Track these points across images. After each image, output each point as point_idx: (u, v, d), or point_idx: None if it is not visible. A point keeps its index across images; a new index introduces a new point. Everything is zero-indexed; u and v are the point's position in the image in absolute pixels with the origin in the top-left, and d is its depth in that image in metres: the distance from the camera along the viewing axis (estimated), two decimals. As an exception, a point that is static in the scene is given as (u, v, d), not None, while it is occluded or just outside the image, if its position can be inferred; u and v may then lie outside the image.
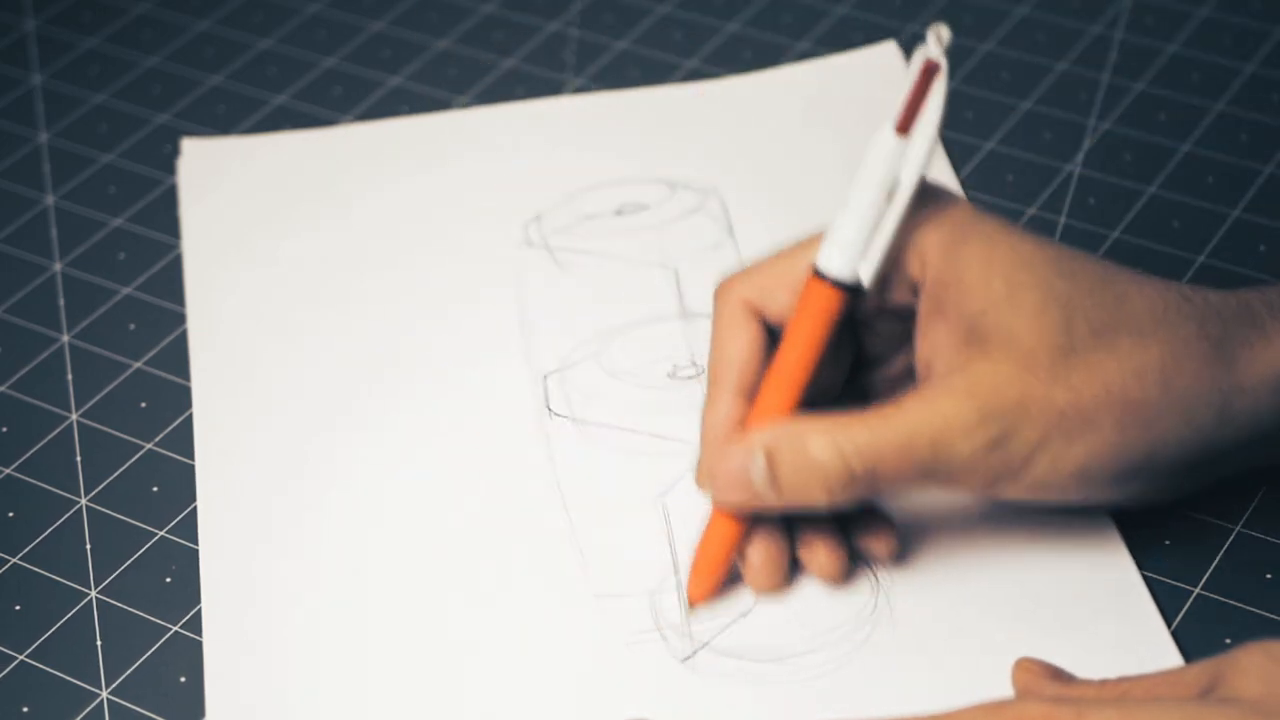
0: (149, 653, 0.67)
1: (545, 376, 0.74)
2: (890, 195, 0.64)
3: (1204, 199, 0.81)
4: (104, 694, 0.65)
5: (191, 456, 0.73)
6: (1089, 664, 0.62)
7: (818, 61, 0.88)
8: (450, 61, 0.91)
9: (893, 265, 0.64)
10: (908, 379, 0.67)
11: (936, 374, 0.64)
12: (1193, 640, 0.64)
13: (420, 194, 0.83)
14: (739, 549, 0.66)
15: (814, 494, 0.63)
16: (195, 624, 0.67)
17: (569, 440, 0.72)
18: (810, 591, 0.66)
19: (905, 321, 0.66)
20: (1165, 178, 0.82)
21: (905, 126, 0.64)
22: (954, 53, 0.89)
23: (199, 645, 0.67)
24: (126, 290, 0.80)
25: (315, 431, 0.73)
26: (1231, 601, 0.66)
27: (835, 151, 0.83)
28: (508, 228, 0.81)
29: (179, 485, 0.72)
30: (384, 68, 0.91)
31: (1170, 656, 0.64)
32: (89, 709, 0.65)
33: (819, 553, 0.66)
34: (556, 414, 0.73)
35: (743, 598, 0.66)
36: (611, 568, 0.68)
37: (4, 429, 0.75)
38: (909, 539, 0.68)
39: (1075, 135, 0.84)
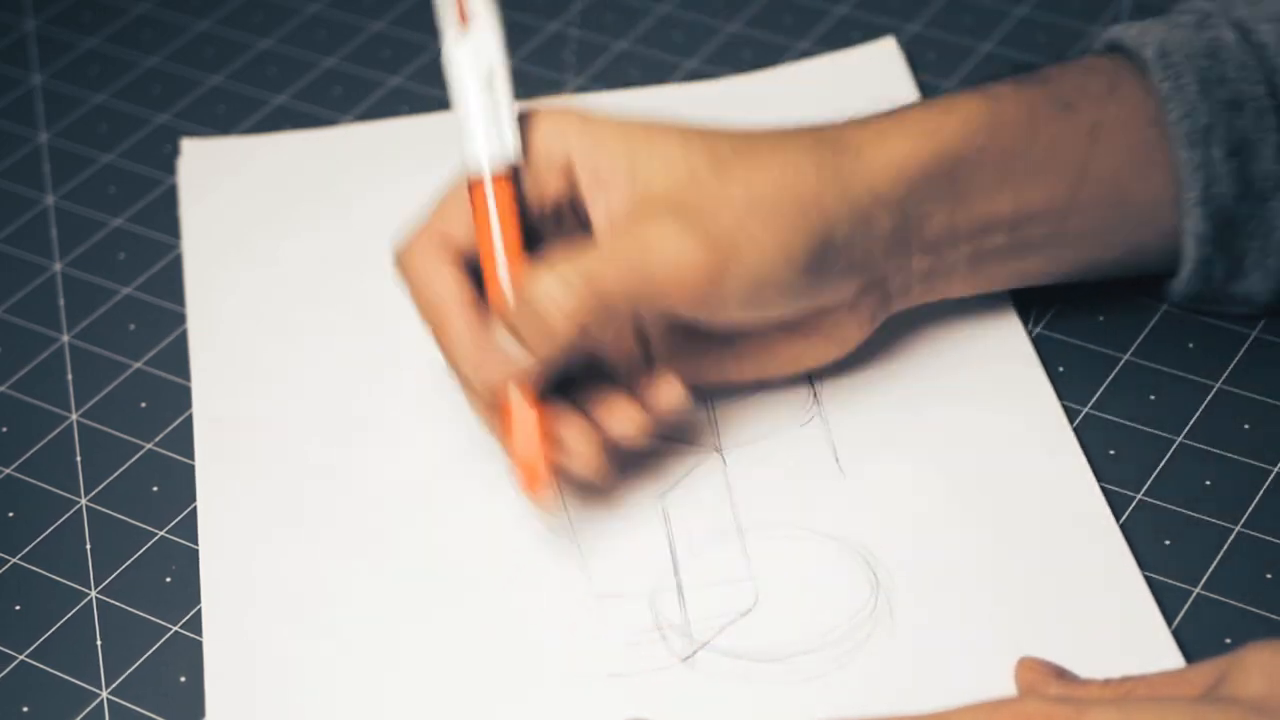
0: (149, 653, 0.67)
1: (545, 376, 0.74)
2: (489, 83, 0.69)
3: (1204, 199, 0.81)
4: (104, 694, 0.66)
5: (191, 456, 0.73)
6: (1090, 664, 0.62)
7: (818, 60, 0.88)
8: (450, 61, 0.91)
9: (541, 158, 0.69)
10: None
11: (621, 218, 0.68)
12: (1193, 640, 0.64)
13: (420, 194, 0.83)
14: (549, 440, 0.67)
15: (559, 329, 0.65)
16: (195, 624, 0.67)
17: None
18: (810, 592, 0.66)
19: (569, 227, 0.70)
20: (1165, 178, 0.82)
21: (464, 19, 0.69)
22: (954, 53, 0.89)
23: (199, 645, 0.67)
24: (126, 290, 0.80)
25: (315, 431, 0.73)
26: (1231, 601, 0.66)
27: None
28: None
29: (179, 485, 0.72)
30: (384, 68, 0.91)
31: (1170, 656, 0.64)
32: (89, 709, 0.65)
33: (625, 411, 0.68)
34: (556, 414, 0.73)
35: (743, 598, 0.66)
36: (611, 568, 0.68)
37: (4, 429, 0.75)
38: (908, 536, 0.68)
39: (1075, 135, 0.84)
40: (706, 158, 0.68)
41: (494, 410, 0.68)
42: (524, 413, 0.67)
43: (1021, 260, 0.72)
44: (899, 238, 0.70)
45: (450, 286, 0.68)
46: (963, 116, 0.70)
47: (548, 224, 0.70)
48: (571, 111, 0.70)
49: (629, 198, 0.68)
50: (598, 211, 0.69)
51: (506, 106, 0.69)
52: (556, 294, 0.65)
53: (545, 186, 0.70)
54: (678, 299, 0.67)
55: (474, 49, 0.70)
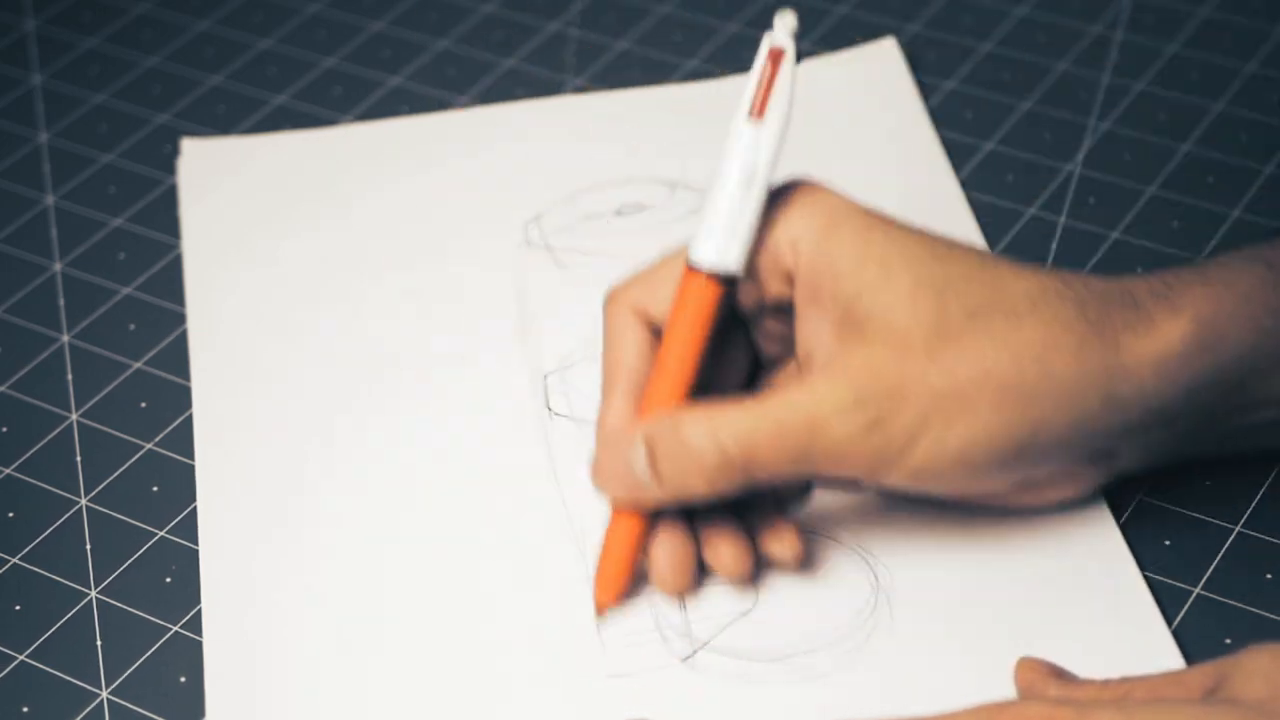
0: (149, 653, 0.67)
1: (545, 376, 0.74)
2: (750, 182, 0.64)
3: (1204, 199, 0.81)
4: (104, 694, 0.65)
5: (191, 456, 0.73)
6: (1089, 664, 0.62)
7: (818, 60, 0.88)
8: (450, 61, 0.91)
9: (768, 256, 0.65)
10: None
11: (815, 362, 0.64)
12: (1193, 640, 0.64)
13: (420, 194, 0.83)
14: (642, 549, 0.66)
15: (693, 482, 0.63)
16: (195, 624, 0.67)
17: (569, 440, 0.72)
18: (810, 591, 0.66)
19: (790, 321, 0.66)
20: (1165, 178, 0.82)
21: (759, 111, 0.65)
22: (954, 53, 0.89)
23: (199, 645, 0.67)
24: (126, 290, 0.80)
25: (315, 431, 0.73)
26: (1231, 601, 0.66)
27: (835, 149, 0.83)
28: (508, 228, 0.81)
29: (179, 485, 0.72)
30: (384, 68, 0.91)
31: (1170, 656, 0.63)
32: (89, 709, 0.65)
33: (723, 552, 0.65)
34: (556, 414, 0.73)
35: (743, 597, 0.66)
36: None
37: (4, 429, 0.75)
38: (909, 536, 0.68)
39: (1075, 135, 0.84)
40: (931, 320, 0.62)
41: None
42: (624, 527, 0.65)
43: None
44: (1135, 432, 0.64)
45: (631, 355, 0.66)
46: (1246, 298, 0.63)
47: (765, 314, 0.66)
48: (818, 209, 0.64)
49: (833, 337, 0.63)
50: (802, 333, 0.65)
51: (752, 214, 0.64)
52: (703, 448, 0.63)
53: (764, 288, 0.65)
54: (837, 478, 0.64)
55: (754, 142, 0.65)
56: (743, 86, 0.66)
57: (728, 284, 0.65)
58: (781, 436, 0.62)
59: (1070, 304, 0.63)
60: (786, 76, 0.65)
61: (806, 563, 0.67)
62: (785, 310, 0.66)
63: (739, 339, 0.67)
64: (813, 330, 0.64)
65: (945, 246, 0.64)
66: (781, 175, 0.82)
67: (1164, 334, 0.63)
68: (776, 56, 0.66)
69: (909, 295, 0.62)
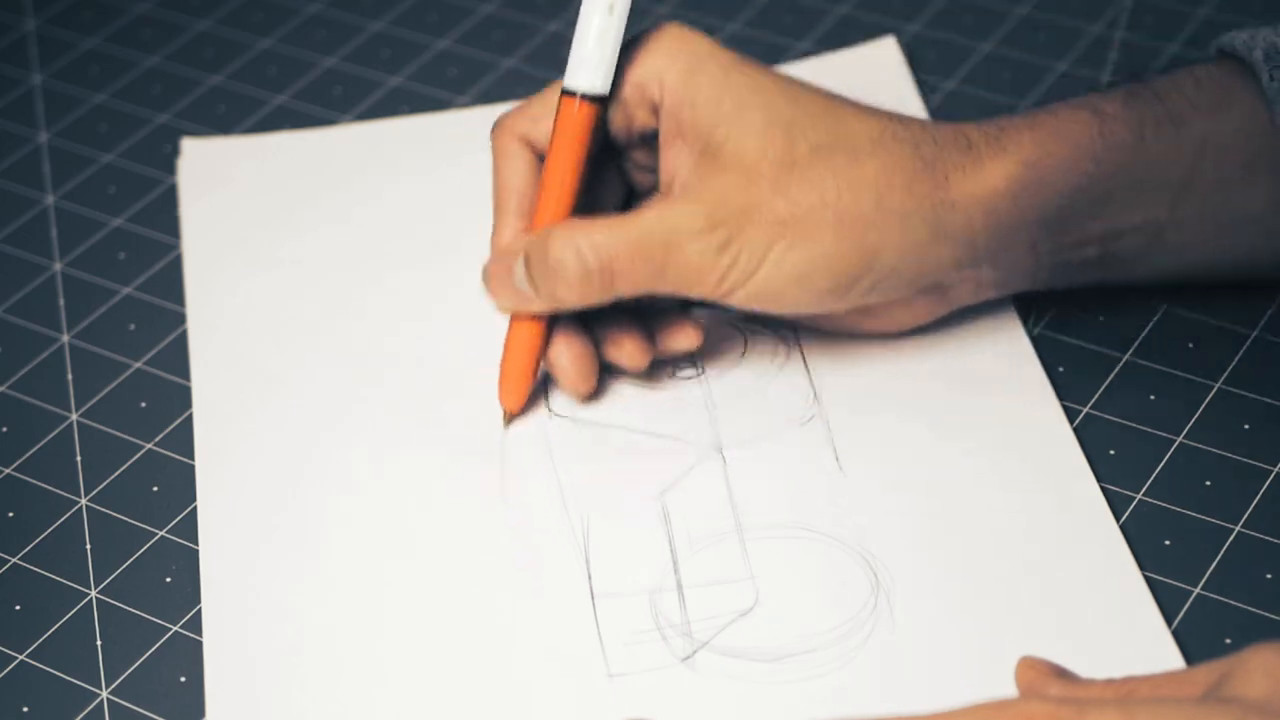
0: (149, 653, 0.67)
1: (545, 377, 0.74)
2: (611, 9, 0.70)
3: (1204, 199, 0.81)
4: (104, 694, 0.65)
5: (191, 456, 0.73)
6: (1090, 664, 0.62)
7: (818, 60, 0.88)
8: (450, 61, 0.91)
9: (635, 89, 0.70)
10: None
11: (674, 188, 0.70)
12: (1193, 640, 0.64)
13: (420, 194, 0.83)
14: (543, 355, 0.71)
15: (561, 291, 0.69)
16: (195, 624, 0.67)
17: (569, 440, 0.72)
18: (810, 591, 0.66)
19: (656, 153, 0.72)
20: (1165, 178, 0.82)
21: None
22: (954, 53, 0.89)
23: (199, 645, 0.67)
24: (126, 290, 0.80)
25: (315, 431, 0.73)
26: (1231, 601, 0.66)
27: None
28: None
29: (179, 485, 0.72)
30: (384, 68, 0.91)
31: (1170, 656, 0.64)
32: (89, 709, 0.65)
33: (625, 346, 0.71)
34: (556, 414, 0.73)
35: (743, 598, 0.66)
36: (611, 568, 0.68)
37: (4, 429, 0.75)
38: (909, 536, 0.68)
39: (1075, 135, 0.84)
40: (779, 153, 0.68)
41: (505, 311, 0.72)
42: (522, 332, 0.71)
43: (1109, 270, 0.72)
44: (963, 265, 0.70)
45: (518, 179, 0.72)
46: (1071, 144, 0.69)
47: (635, 145, 0.72)
48: (684, 49, 0.71)
49: (691, 166, 0.69)
50: (665, 162, 0.70)
51: (614, 38, 0.70)
52: (567, 261, 0.68)
53: (633, 119, 0.71)
54: (692, 294, 0.69)
55: None
56: None
57: (600, 105, 0.70)
58: (638, 252, 0.68)
59: (907, 144, 0.69)
60: None
61: (807, 563, 0.67)
62: (652, 142, 0.72)
63: (613, 170, 0.73)
64: (674, 159, 0.70)
65: (798, 89, 0.70)
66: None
67: (991, 175, 0.69)
68: None
69: (760, 130, 0.68)
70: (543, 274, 0.69)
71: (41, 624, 0.68)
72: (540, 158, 0.72)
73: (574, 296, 0.69)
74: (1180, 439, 0.71)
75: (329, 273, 0.80)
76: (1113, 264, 0.72)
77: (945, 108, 0.86)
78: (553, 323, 0.71)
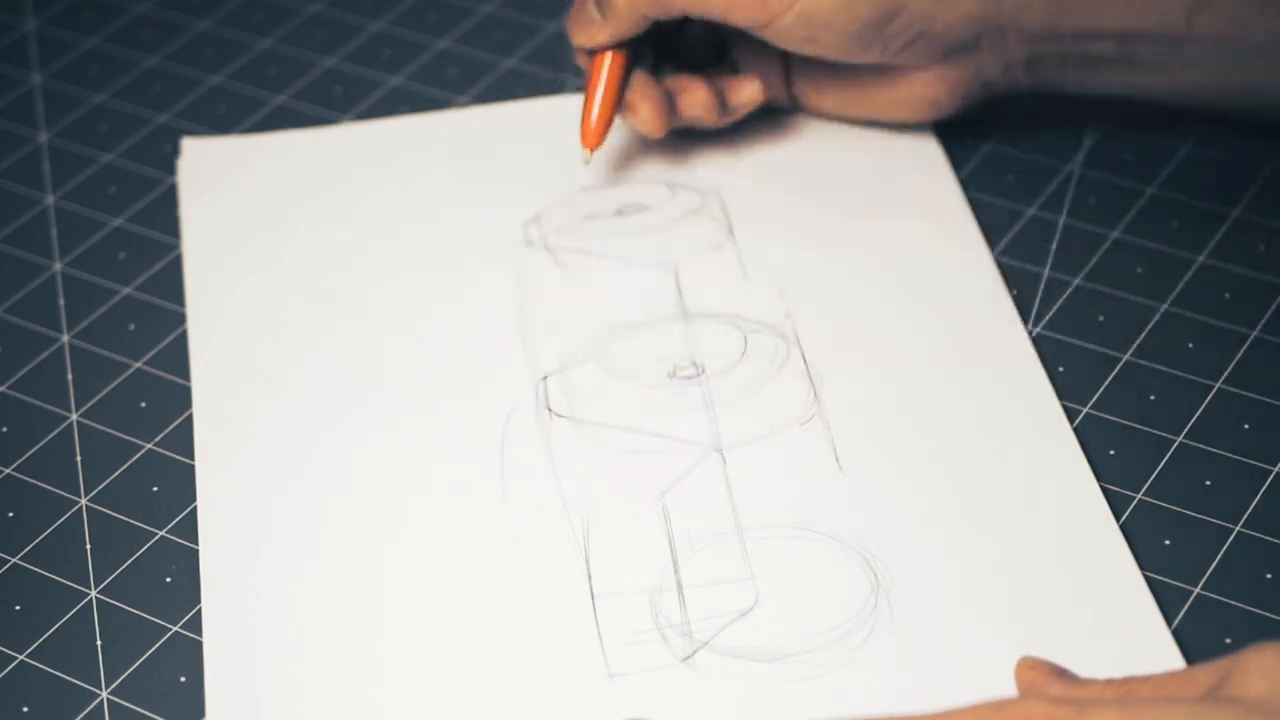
0: (149, 653, 0.67)
1: (545, 377, 0.74)
2: None
3: (1204, 199, 0.81)
4: (104, 694, 0.66)
5: (191, 456, 0.73)
6: (1089, 664, 0.62)
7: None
8: (450, 61, 0.91)
9: None
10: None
11: None
12: (1193, 640, 0.64)
13: (420, 194, 0.83)
14: (621, 97, 0.80)
15: (619, 10, 0.78)
16: (195, 624, 0.67)
17: (569, 440, 0.72)
18: (810, 591, 0.67)
19: None
20: (1165, 178, 0.82)
21: None
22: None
23: (199, 645, 0.67)
24: (126, 290, 0.80)
25: (315, 431, 0.73)
26: (1231, 601, 0.66)
27: (834, 150, 0.83)
28: (508, 228, 0.81)
29: (179, 485, 0.72)
30: (384, 68, 0.91)
31: (1170, 656, 0.64)
32: (89, 709, 0.65)
33: (696, 93, 0.81)
34: (556, 414, 0.73)
35: (743, 598, 0.66)
36: (611, 568, 0.68)
37: (4, 429, 0.75)
38: (909, 536, 0.68)
39: (1075, 135, 0.84)
40: None
41: (585, 64, 0.81)
42: (603, 75, 0.80)
43: (1133, 74, 0.78)
44: (990, 23, 0.76)
45: None
46: None
47: None
48: None
49: None
50: None
51: None
52: None
53: None
54: (734, 17, 0.77)
55: None
56: None
57: None
58: None
59: None
60: None
61: (807, 563, 0.67)
62: None
63: None
64: None
65: None
66: (784, 175, 0.82)
67: None
68: None
69: None
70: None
71: (41, 624, 0.68)
72: None
73: (629, 11, 0.78)
74: (1180, 439, 0.71)
75: (329, 272, 0.80)
76: (1132, 67, 0.77)
77: (945, 108, 0.86)
78: (629, 74, 0.80)
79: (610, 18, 0.79)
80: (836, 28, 0.77)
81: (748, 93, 0.82)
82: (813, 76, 0.82)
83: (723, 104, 0.81)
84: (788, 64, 0.83)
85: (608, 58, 0.81)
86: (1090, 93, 0.80)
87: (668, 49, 0.84)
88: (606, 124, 0.81)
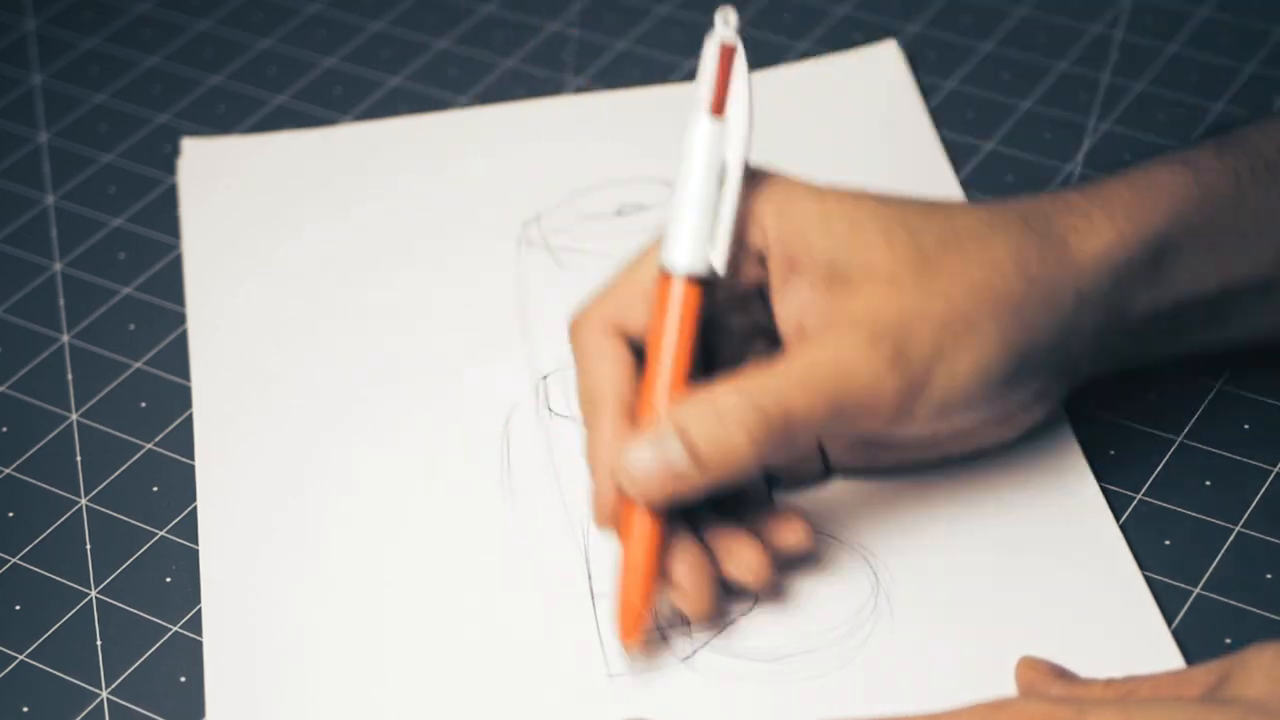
0: (149, 653, 0.67)
1: (545, 377, 0.74)
2: (721, 179, 0.65)
3: (1204, 199, 0.81)
4: (104, 694, 0.66)
5: (191, 456, 0.73)
6: (1089, 664, 0.62)
7: (818, 61, 0.88)
8: (450, 61, 0.91)
9: (738, 245, 0.66)
10: None
11: (811, 326, 0.65)
12: (1193, 640, 0.64)
13: (420, 194, 0.83)
14: (661, 576, 0.64)
15: (738, 450, 0.62)
16: (195, 624, 0.67)
17: (569, 440, 0.72)
18: (810, 591, 0.66)
19: (754, 314, 0.67)
20: (1165, 178, 0.82)
21: (719, 108, 0.66)
22: (954, 53, 0.89)
23: (199, 645, 0.67)
24: (126, 290, 0.80)
25: (315, 431, 0.73)
26: (1231, 601, 0.66)
27: (835, 151, 0.83)
28: (508, 228, 0.81)
29: (179, 485, 0.72)
30: (384, 68, 0.91)
31: (1170, 656, 0.64)
32: (89, 709, 0.65)
33: (744, 556, 0.65)
34: (556, 414, 0.73)
35: (743, 597, 0.66)
36: (612, 568, 0.68)
37: (4, 429, 0.75)
38: (909, 536, 0.68)
39: (1075, 135, 0.84)
40: (910, 254, 0.64)
41: (613, 520, 0.65)
42: (642, 552, 0.63)
43: (1223, 328, 0.70)
44: (1101, 331, 0.67)
45: (613, 376, 0.65)
46: (1169, 194, 0.67)
47: (734, 308, 0.67)
48: (776, 189, 0.66)
49: (823, 297, 0.65)
50: (786, 308, 0.66)
51: (730, 211, 0.65)
52: (746, 415, 0.62)
53: (743, 274, 0.66)
54: (867, 425, 0.64)
55: (718, 138, 0.65)
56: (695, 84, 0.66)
57: (707, 284, 0.65)
58: (812, 387, 0.63)
59: (1017, 219, 0.66)
60: (742, 71, 0.66)
61: (806, 562, 0.67)
62: (748, 302, 0.67)
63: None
64: (797, 300, 0.65)
65: (892, 196, 0.67)
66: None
67: (1102, 230, 0.66)
68: (728, 53, 0.66)
69: (883, 238, 0.65)
70: (713, 439, 0.62)
71: (41, 624, 0.68)
72: (637, 350, 0.66)
73: (753, 456, 0.62)
74: (1180, 439, 0.71)
75: (329, 272, 0.80)
76: (1228, 321, 0.69)
77: (945, 108, 0.86)
78: (669, 540, 0.64)
79: (710, 468, 0.63)
80: (973, 399, 0.65)
81: (793, 536, 0.66)
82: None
83: (768, 554, 0.65)
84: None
85: (648, 517, 0.64)
86: (1175, 356, 0.71)
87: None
88: (650, 612, 0.64)
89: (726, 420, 0.62)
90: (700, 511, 0.65)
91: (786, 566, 0.67)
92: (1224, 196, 0.67)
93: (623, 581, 0.64)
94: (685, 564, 0.64)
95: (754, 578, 0.65)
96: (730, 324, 0.67)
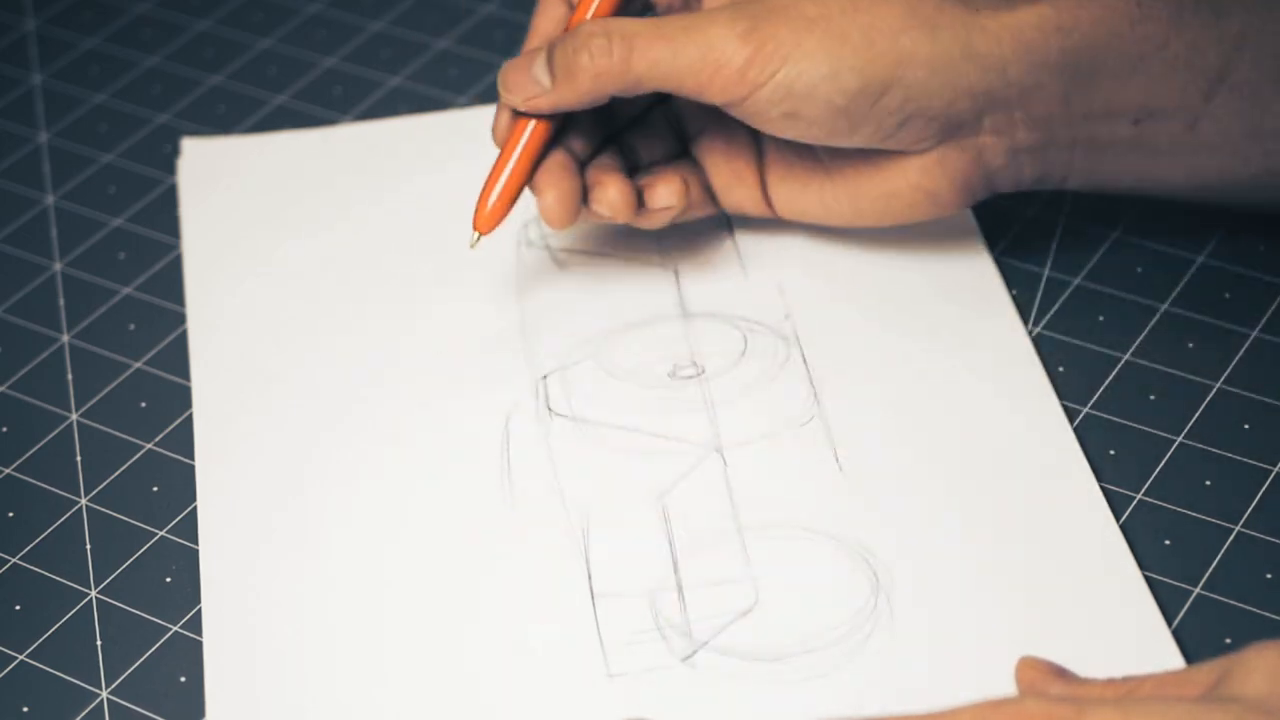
0: (149, 653, 0.67)
1: (545, 376, 0.74)
2: None
3: (1204, 199, 0.81)
4: (104, 694, 0.66)
5: (191, 456, 0.73)
6: (1090, 664, 0.62)
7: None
8: (450, 61, 0.91)
9: None
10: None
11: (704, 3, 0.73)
12: (1193, 640, 0.64)
13: (420, 194, 0.83)
14: (527, 181, 0.73)
15: (580, 74, 0.70)
16: (195, 624, 0.67)
17: (569, 440, 0.72)
18: (810, 591, 0.66)
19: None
20: (1165, 178, 0.82)
21: None
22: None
23: (199, 645, 0.67)
24: (126, 290, 0.80)
25: (315, 431, 0.73)
26: (1231, 601, 0.66)
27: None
28: (508, 228, 0.81)
29: (179, 485, 0.72)
30: (384, 68, 0.91)
31: (1170, 656, 0.64)
32: (89, 709, 0.65)
33: (609, 189, 0.72)
34: (556, 414, 0.73)
35: (743, 598, 0.66)
36: (611, 568, 0.68)
37: (4, 429, 0.75)
38: (909, 536, 0.68)
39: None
40: None
41: (503, 132, 0.73)
42: (510, 148, 0.72)
43: (1146, 160, 0.71)
44: (996, 100, 0.69)
45: (550, 14, 0.74)
46: (1106, 4, 0.69)
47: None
48: None
49: None
50: None
51: None
52: (596, 47, 0.69)
53: None
54: (716, 90, 0.69)
55: None
56: None
57: None
58: (665, 37, 0.69)
59: None
60: None
61: (807, 563, 0.67)
62: None
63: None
64: None
65: None
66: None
67: (1022, 12, 0.69)
68: None
69: None
70: (565, 57, 0.70)
71: (41, 624, 0.68)
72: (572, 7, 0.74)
73: (588, 80, 0.70)
74: (1180, 439, 0.71)
75: (329, 272, 0.80)
76: (1146, 150, 0.71)
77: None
78: (547, 150, 0.72)
79: (562, 83, 0.71)
80: (820, 98, 0.68)
81: (664, 195, 0.73)
82: (791, 170, 0.75)
83: (640, 203, 0.73)
84: (762, 162, 0.75)
85: (529, 126, 0.73)
86: (1097, 186, 0.74)
87: (616, 132, 0.76)
88: (509, 205, 0.73)
89: (579, 42, 0.70)
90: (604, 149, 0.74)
91: (786, 568, 0.67)
92: (1161, 20, 0.69)
93: (491, 175, 0.72)
94: (553, 176, 0.72)
95: (612, 210, 0.72)
96: None
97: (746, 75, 0.68)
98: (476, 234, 0.73)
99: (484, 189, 0.73)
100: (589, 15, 0.73)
